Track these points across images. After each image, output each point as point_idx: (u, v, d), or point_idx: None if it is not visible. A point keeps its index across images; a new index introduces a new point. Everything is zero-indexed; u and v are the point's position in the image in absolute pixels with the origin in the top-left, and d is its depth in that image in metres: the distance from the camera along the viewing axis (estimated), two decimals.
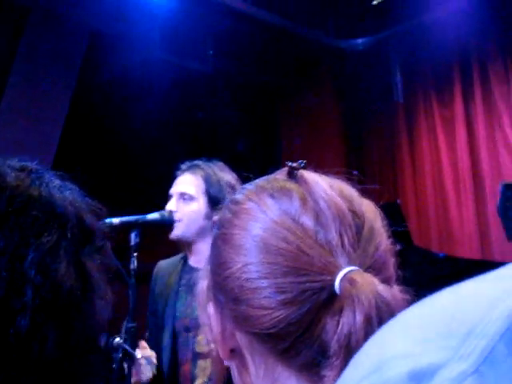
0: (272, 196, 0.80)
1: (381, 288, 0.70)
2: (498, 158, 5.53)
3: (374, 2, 5.93)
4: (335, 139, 6.65)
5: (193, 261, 2.72)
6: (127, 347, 2.37)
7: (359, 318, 0.68)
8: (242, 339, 0.80)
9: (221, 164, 2.75)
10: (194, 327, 2.59)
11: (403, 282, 0.82)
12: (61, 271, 0.74)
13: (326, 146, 6.47)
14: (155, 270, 2.86)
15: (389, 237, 0.83)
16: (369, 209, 0.83)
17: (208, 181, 2.65)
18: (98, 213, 0.87)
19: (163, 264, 2.86)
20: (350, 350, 0.68)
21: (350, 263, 0.73)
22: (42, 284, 0.71)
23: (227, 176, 2.67)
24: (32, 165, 0.84)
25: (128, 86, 5.37)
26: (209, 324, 0.85)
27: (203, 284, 0.87)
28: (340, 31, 6.21)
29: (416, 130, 6.24)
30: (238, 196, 0.86)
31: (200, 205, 2.66)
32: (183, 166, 2.76)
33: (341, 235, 0.75)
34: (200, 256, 2.65)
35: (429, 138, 6.10)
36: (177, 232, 2.67)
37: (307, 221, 0.76)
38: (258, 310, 0.75)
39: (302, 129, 6.64)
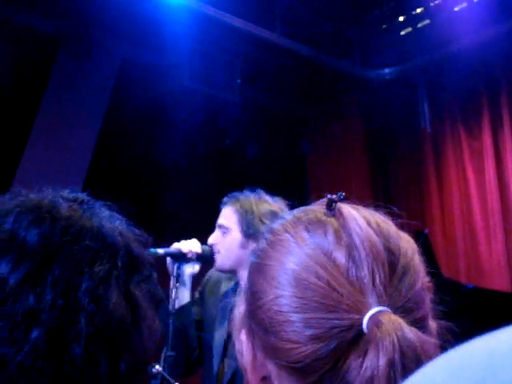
0: (307, 229, 0.80)
1: (407, 331, 0.69)
2: None
3: (402, 33, 5.95)
4: (362, 168, 6.63)
5: (239, 290, 2.75)
6: (166, 375, 2.39)
7: (382, 362, 0.67)
8: (272, 369, 0.79)
9: (262, 194, 2.82)
10: None
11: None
12: (112, 300, 0.76)
13: (352, 174, 6.46)
14: (207, 274, 2.98)
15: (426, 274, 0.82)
16: (407, 245, 0.81)
17: (241, 212, 2.73)
18: (144, 243, 0.88)
19: (217, 272, 2.94)
20: None
21: (379, 303, 0.72)
22: (94, 313, 0.74)
23: (265, 206, 2.74)
24: (83, 196, 0.87)
25: (157, 113, 5.43)
26: (241, 350, 0.85)
27: (239, 310, 0.87)
28: (367, 61, 6.23)
29: (443, 160, 6.20)
30: (276, 226, 0.86)
31: (234, 236, 2.75)
32: (225, 199, 2.85)
33: (373, 273, 0.73)
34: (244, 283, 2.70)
35: (457, 168, 6.05)
36: (218, 263, 2.79)
37: (340, 257, 0.75)
38: (285, 343, 0.74)
39: (328, 157, 6.64)
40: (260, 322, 0.79)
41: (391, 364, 0.67)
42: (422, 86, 6.26)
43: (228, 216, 2.79)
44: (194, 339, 2.76)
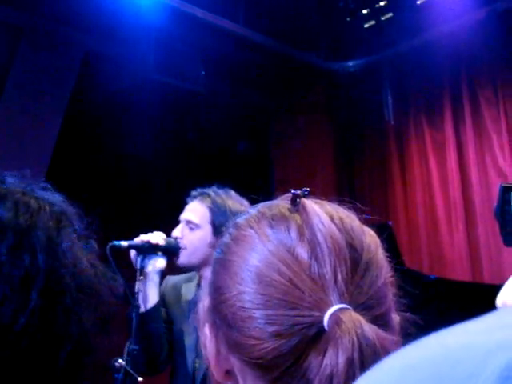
0: (271, 225, 0.81)
1: (367, 329, 0.69)
2: (488, 181, 5.56)
3: (366, 25, 5.99)
4: (327, 159, 6.67)
5: (203, 285, 2.72)
6: (129, 369, 2.38)
7: (341, 360, 0.68)
8: (235, 363, 0.80)
9: (232, 192, 2.77)
10: None
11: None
12: (83, 258, 0.85)
13: (317, 165, 6.48)
14: (164, 281, 2.89)
15: (390, 268, 0.83)
16: (370, 240, 0.82)
17: (214, 210, 2.68)
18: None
19: (173, 278, 2.89)
20: None
21: (340, 300, 0.72)
22: (74, 268, 0.82)
23: (236, 205, 2.69)
24: None
25: (121, 105, 5.38)
26: (205, 344, 0.85)
27: (203, 304, 0.87)
28: (332, 53, 6.26)
29: (407, 152, 6.28)
30: (240, 220, 0.87)
31: (204, 234, 2.70)
32: (194, 193, 2.78)
33: (335, 270, 0.74)
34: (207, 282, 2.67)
35: (420, 160, 6.13)
36: (182, 260, 2.71)
37: (302, 253, 0.76)
38: (248, 339, 0.75)
39: (293, 149, 6.66)
40: (223, 317, 0.79)
41: (350, 362, 0.67)
42: (386, 78, 6.32)
43: (198, 212, 2.72)
44: (163, 339, 2.71)
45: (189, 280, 2.83)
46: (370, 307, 0.74)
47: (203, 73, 5.56)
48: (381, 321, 0.74)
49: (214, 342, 0.83)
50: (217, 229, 2.64)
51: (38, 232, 0.80)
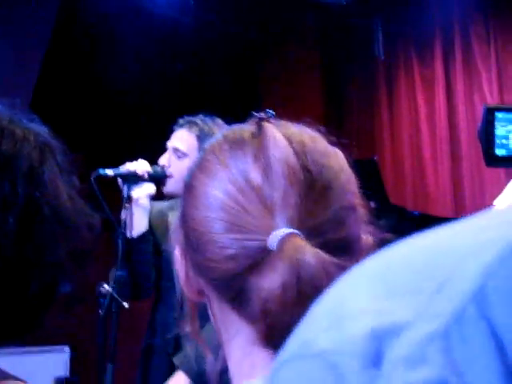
0: (230, 149, 0.81)
1: (309, 254, 0.69)
2: (476, 118, 5.56)
3: None
4: (315, 92, 6.63)
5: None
6: (115, 295, 2.42)
7: (277, 284, 0.69)
8: (202, 284, 0.83)
9: (219, 121, 2.77)
10: None
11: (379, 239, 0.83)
12: (64, 191, 0.87)
13: (305, 98, 6.44)
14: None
15: (358, 193, 0.82)
16: (334, 162, 0.81)
17: (202, 139, 2.66)
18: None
19: (157, 204, 2.91)
20: (267, 314, 0.70)
21: (287, 225, 0.72)
22: (54, 199, 0.84)
23: None
24: None
25: (107, 34, 5.27)
26: (177, 267, 0.88)
27: (175, 228, 0.89)
28: None
29: (395, 88, 6.25)
30: (206, 146, 0.88)
31: (192, 162, 2.65)
32: (181, 121, 2.78)
33: (286, 194, 0.74)
34: None
35: (408, 95, 6.11)
36: (169, 188, 2.75)
37: (256, 178, 0.76)
38: (209, 262, 0.78)
39: (281, 80, 6.61)
40: (190, 242, 0.82)
41: (285, 287, 0.69)
42: (377, 13, 6.23)
43: (185, 140, 2.72)
44: (151, 265, 2.75)
45: (173, 208, 2.83)
46: (322, 232, 0.74)
47: (192, 2, 5.45)
48: (336, 246, 0.74)
49: (184, 264, 0.86)
50: None
51: (20, 161, 0.82)
